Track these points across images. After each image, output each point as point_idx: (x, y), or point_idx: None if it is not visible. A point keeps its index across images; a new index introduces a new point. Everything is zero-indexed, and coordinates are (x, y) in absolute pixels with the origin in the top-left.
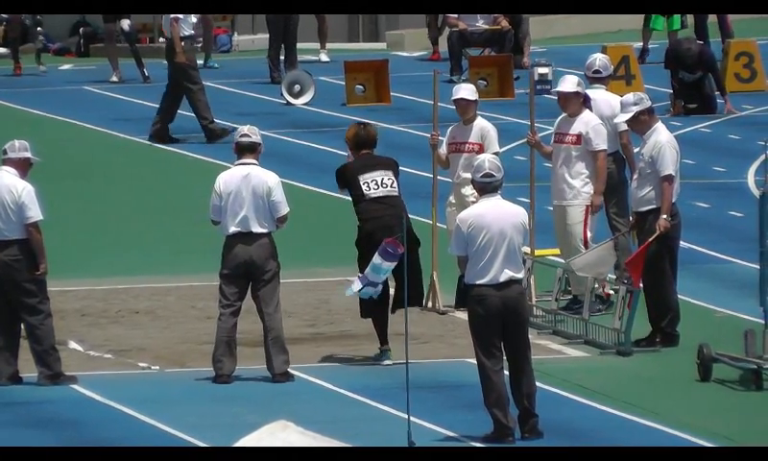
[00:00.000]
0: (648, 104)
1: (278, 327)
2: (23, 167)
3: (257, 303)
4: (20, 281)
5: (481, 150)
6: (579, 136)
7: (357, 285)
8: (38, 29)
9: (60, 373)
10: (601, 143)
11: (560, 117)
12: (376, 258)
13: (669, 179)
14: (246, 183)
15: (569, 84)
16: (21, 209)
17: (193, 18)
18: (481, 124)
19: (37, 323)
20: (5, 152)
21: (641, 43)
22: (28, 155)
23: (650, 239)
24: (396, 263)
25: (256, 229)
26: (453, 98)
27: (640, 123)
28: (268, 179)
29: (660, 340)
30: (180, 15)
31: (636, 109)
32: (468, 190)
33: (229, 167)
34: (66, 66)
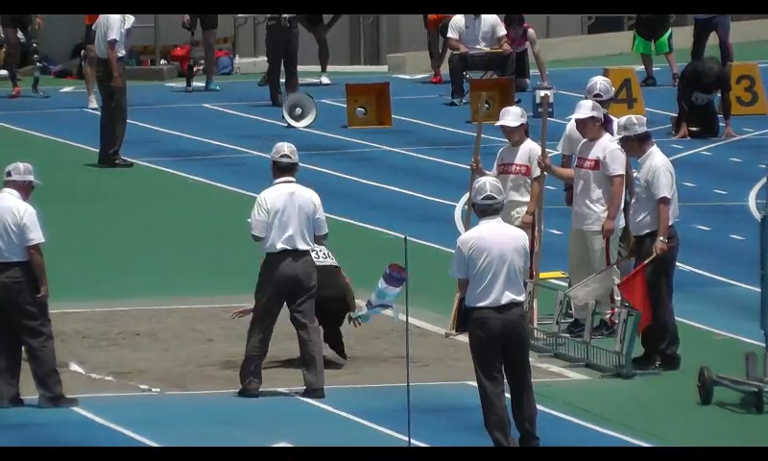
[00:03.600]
0: (639, 130)
1: (320, 343)
2: (26, 190)
3: (298, 317)
4: (21, 304)
5: (528, 172)
6: (597, 161)
7: (365, 311)
8: (35, 56)
9: (61, 395)
10: (618, 168)
11: (581, 142)
12: (381, 283)
13: (665, 201)
14: (291, 201)
15: (584, 109)
16: (23, 231)
17: (128, 23)
18: (529, 146)
19: (39, 345)
20: (8, 173)
21: (643, 67)
22: (31, 178)
23: (646, 261)
24: (401, 288)
25: (302, 246)
26: (498, 124)
27: (631, 148)
28: (313, 197)
29: (660, 363)
30: (117, 37)
31: (624, 133)
32: (516, 213)
33: (229, 189)
34: (67, 89)
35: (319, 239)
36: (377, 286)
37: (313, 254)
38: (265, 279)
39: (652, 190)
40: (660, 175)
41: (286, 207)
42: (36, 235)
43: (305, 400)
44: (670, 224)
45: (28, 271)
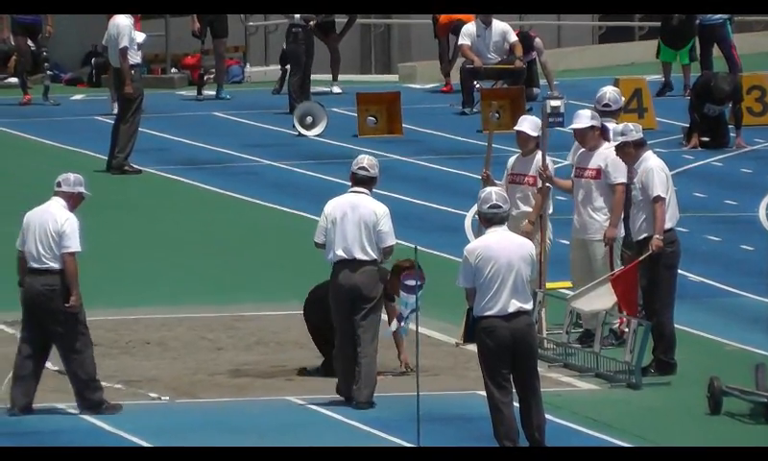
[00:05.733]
0: (636, 136)
1: (372, 356)
2: (73, 201)
3: (356, 330)
4: (54, 311)
5: (536, 183)
6: (599, 170)
7: (395, 325)
8: (45, 64)
9: (103, 401)
10: (620, 176)
11: (579, 151)
12: (402, 295)
13: (659, 200)
14: (353, 210)
15: (583, 119)
16: (61, 239)
17: (138, 38)
18: (540, 158)
19: (73, 353)
20: (59, 184)
21: (661, 76)
22: (81, 190)
23: (640, 258)
24: (417, 294)
25: (360, 255)
26: (515, 128)
27: (626, 154)
28: (376, 208)
29: (654, 369)
30: (127, 44)
31: (621, 139)
32: (524, 223)
33: (239, 198)
34: (78, 96)
35: (384, 252)
36: (401, 298)
37: None
38: (330, 290)
39: (647, 191)
40: (653, 175)
41: (345, 216)
42: (74, 243)
43: (315, 408)
44: (669, 227)
45: (63, 279)
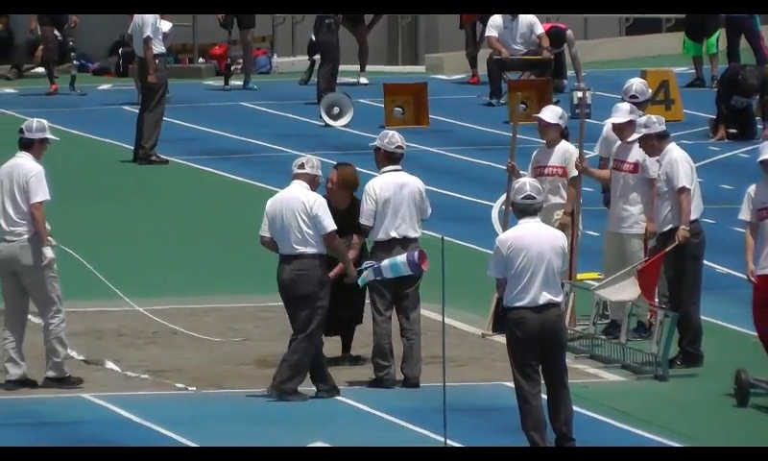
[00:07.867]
0: (658, 128)
1: (419, 334)
2: (315, 184)
3: (403, 305)
4: (304, 295)
5: (564, 174)
6: (636, 164)
7: (371, 275)
8: (72, 54)
9: (334, 386)
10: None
11: (617, 143)
12: (401, 257)
13: (685, 191)
14: (400, 189)
15: (622, 113)
16: (315, 222)
17: (164, 28)
18: (564, 147)
19: (304, 336)
20: (302, 165)
21: (688, 69)
22: (319, 173)
23: (666, 249)
24: (412, 273)
25: (411, 234)
26: (536, 115)
27: (649, 146)
28: (419, 184)
29: (680, 360)
30: (151, 34)
31: (644, 131)
32: (556, 215)
33: (267, 188)
34: (105, 86)
35: (420, 223)
36: (396, 259)
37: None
38: None
39: (672, 182)
40: (678, 166)
41: (395, 196)
42: (328, 223)
43: (339, 398)
44: (694, 218)
45: (312, 264)
